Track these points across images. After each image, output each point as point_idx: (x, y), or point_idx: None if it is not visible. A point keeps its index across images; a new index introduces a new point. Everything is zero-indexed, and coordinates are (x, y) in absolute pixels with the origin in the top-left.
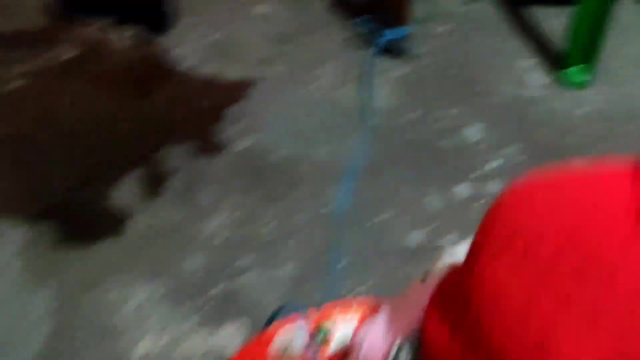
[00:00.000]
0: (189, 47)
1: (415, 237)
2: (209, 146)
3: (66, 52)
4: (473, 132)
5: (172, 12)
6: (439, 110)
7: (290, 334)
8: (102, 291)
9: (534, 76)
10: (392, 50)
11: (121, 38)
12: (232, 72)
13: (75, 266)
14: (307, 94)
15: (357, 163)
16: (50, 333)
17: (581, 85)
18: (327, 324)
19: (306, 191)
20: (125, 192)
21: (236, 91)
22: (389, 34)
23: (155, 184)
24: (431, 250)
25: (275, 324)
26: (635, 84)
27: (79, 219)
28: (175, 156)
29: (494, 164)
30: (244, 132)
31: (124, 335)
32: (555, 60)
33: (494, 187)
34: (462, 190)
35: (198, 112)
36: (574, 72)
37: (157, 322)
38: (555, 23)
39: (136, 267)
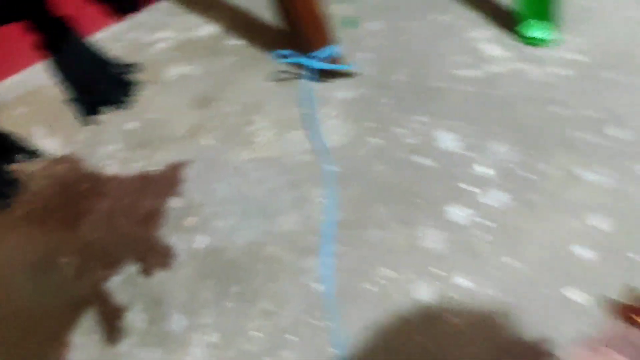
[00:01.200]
0: (110, 144)
1: (422, 289)
2: (162, 259)
3: None
4: (448, 139)
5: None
6: (400, 124)
7: None
8: None
9: (492, 47)
10: (327, 74)
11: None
12: (161, 158)
13: None
14: (249, 157)
15: (330, 222)
16: None
17: (548, 42)
18: None
19: (285, 276)
20: (87, 350)
21: (171, 181)
22: (317, 58)
23: (112, 325)
24: (448, 298)
25: None
26: (610, 22)
27: None
28: (127, 284)
29: (480, 169)
30: (195, 229)
31: None
32: (510, 20)
33: (492, 199)
34: (457, 211)
35: (138, 221)
36: (535, 28)
37: None
38: None
39: None
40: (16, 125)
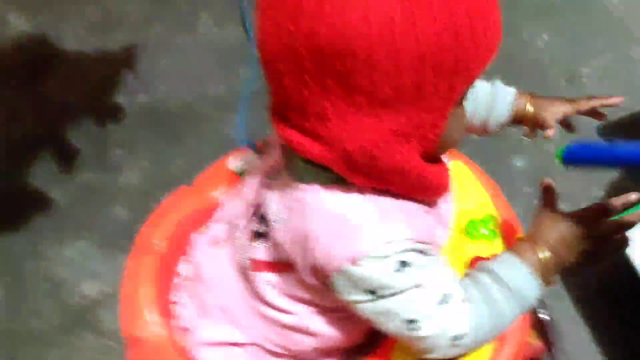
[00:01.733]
0: (72, 25)
1: None
2: (109, 112)
3: None
4: None
5: None
6: None
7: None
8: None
9: None
10: None
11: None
12: (117, 40)
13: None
14: (193, 41)
15: (249, 90)
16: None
17: None
18: None
19: (207, 126)
20: (41, 172)
21: (124, 57)
22: None
23: (67, 158)
24: None
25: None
26: None
27: (7, 205)
28: (81, 130)
29: None
30: (139, 91)
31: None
32: None
33: None
34: None
35: (92, 85)
36: None
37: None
38: None
39: (69, 231)
40: None
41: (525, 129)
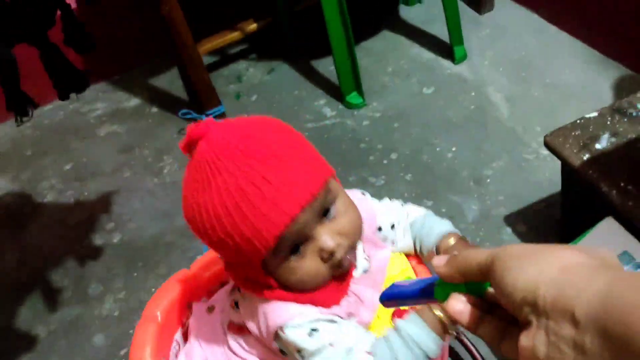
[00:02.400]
0: (50, 180)
1: None
2: (87, 252)
3: None
4: None
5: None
6: None
7: None
8: None
9: (327, 110)
10: None
11: None
12: (92, 188)
13: None
14: (159, 182)
15: None
16: None
17: (359, 106)
18: None
19: (177, 253)
20: (25, 312)
21: (99, 202)
22: (209, 115)
23: (49, 297)
24: None
25: None
26: (396, 93)
27: None
28: (62, 269)
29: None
30: (113, 230)
31: None
32: (338, 94)
33: None
34: None
35: (71, 229)
36: (351, 98)
37: None
38: (330, 67)
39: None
40: None
41: None
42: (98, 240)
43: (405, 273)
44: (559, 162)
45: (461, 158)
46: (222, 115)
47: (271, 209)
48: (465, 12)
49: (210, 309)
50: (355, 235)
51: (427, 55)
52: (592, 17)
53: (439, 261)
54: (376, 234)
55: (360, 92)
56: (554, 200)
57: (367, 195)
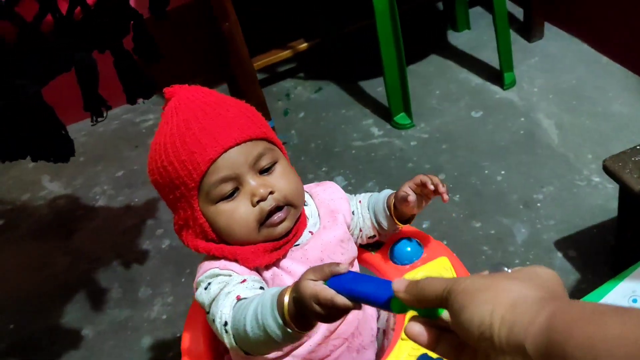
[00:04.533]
0: (102, 186)
1: None
2: (137, 256)
3: None
4: (339, 180)
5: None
6: (311, 172)
7: None
8: None
9: (375, 129)
10: None
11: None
12: (142, 195)
13: None
14: None
15: None
16: None
17: (407, 127)
18: None
19: None
20: (78, 313)
21: (149, 209)
22: None
23: (100, 299)
24: None
25: None
26: (444, 116)
27: (44, 347)
28: (111, 272)
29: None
30: (163, 236)
31: None
32: (386, 114)
33: None
34: None
35: (121, 234)
36: (399, 119)
37: None
38: (378, 89)
39: None
40: (29, 176)
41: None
42: (147, 245)
43: None
44: (611, 189)
45: (510, 182)
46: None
47: (208, 139)
48: (515, 40)
49: None
50: (291, 197)
51: (475, 80)
52: None
53: (399, 285)
54: (348, 219)
55: (409, 113)
56: (607, 226)
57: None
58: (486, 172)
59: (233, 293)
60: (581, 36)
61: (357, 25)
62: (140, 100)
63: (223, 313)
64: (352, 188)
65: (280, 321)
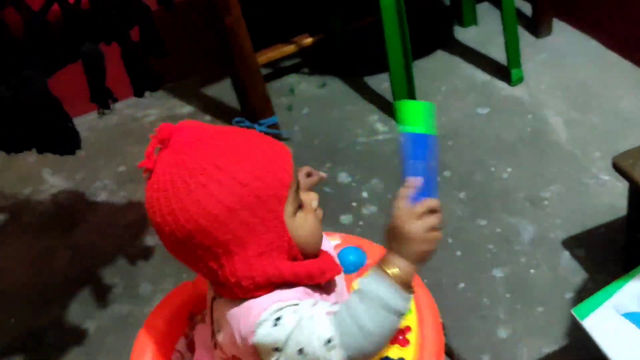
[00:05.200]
0: (104, 180)
1: None
2: (138, 252)
3: None
4: (344, 177)
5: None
6: (314, 168)
7: None
8: None
9: (380, 125)
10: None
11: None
12: (143, 191)
13: None
14: None
15: None
16: None
17: None
18: None
19: None
20: (79, 308)
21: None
22: (262, 125)
23: (102, 294)
24: None
25: None
26: (450, 112)
27: (46, 341)
28: (113, 268)
29: (364, 195)
30: None
31: None
32: (391, 110)
33: (368, 211)
34: (346, 218)
35: (123, 229)
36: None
37: None
38: (384, 85)
39: (101, 357)
40: (30, 169)
41: None
42: (149, 241)
43: None
44: (620, 187)
45: (517, 179)
46: (274, 126)
47: (278, 147)
48: (523, 36)
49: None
50: None
51: (482, 76)
52: None
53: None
54: None
55: None
56: (615, 226)
57: None
58: (492, 169)
59: (318, 313)
60: (590, 32)
61: (362, 21)
62: (147, 94)
63: (320, 333)
64: (356, 185)
65: (405, 293)
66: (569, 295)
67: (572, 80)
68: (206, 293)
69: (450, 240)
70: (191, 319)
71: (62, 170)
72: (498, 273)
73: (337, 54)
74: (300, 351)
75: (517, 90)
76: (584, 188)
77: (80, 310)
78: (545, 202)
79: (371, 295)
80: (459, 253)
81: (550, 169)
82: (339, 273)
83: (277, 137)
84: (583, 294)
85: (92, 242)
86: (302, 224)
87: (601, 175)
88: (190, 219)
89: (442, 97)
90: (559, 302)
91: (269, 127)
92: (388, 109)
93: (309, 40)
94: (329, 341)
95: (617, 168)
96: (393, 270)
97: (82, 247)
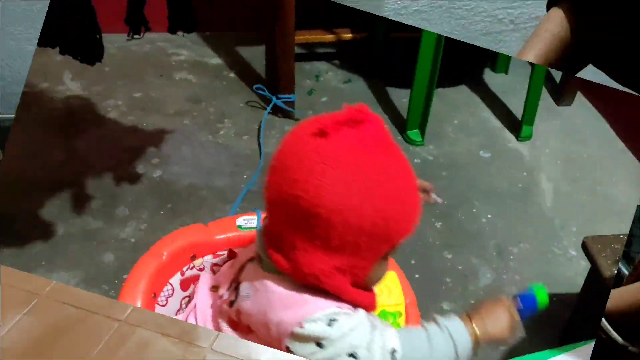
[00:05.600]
0: (117, 100)
1: None
2: (127, 176)
3: None
4: None
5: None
6: None
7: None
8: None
9: None
10: (282, 112)
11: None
12: (151, 121)
13: (8, 261)
14: (213, 141)
15: (245, 190)
16: None
17: (416, 143)
18: None
19: (205, 209)
20: (55, 209)
21: (153, 136)
22: (280, 99)
23: (80, 203)
24: None
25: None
26: (455, 145)
27: (13, 228)
28: (99, 182)
29: None
30: (157, 166)
31: None
32: (402, 125)
33: None
34: None
35: (120, 150)
36: (412, 134)
37: None
38: (403, 99)
39: (59, 261)
40: (52, 68)
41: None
42: (140, 169)
43: (397, 307)
44: (583, 266)
45: (493, 226)
46: (291, 104)
47: (414, 214)
48: (544, 97)
49: (213, 287)
50: None
51: (495, 122)
52: None
53: None
54: None
55: (423, 132)
56: (566, 300)
57: None
58: (474, 210)
59: (383, 325)
60: (607, 117)
61: (404, 34)
62: (180, 33)
63: (387, 343)
64: None
65: (472, 351)
66: (503, 348)
67: (575, 154)
68: (214, 240)
69: (413, 262)
70: (192, 259)
71: (82, 78)
72: (446, 306)
73: (371, 57)
74: (352, 355)
75: (522, 146)
76: (551, 256)
77: (55, 212)
78: (511, 257)
79: (454, 334)
80: (417, 276)
81: (526, 228)
82: (375, 309)
83: (289, 115)
84: (515, 353)
85: (87, 153)
86: (381, 268)
87: (570, 250)
88: (320, 204)
89: (452, 129)
90: (491, 355)
91: (285, 103)
92: (399, 123)
93: (348, 35)
94: (393, 351)
95: (585, 249)
96: (478, 330)
97: (77, 154)
